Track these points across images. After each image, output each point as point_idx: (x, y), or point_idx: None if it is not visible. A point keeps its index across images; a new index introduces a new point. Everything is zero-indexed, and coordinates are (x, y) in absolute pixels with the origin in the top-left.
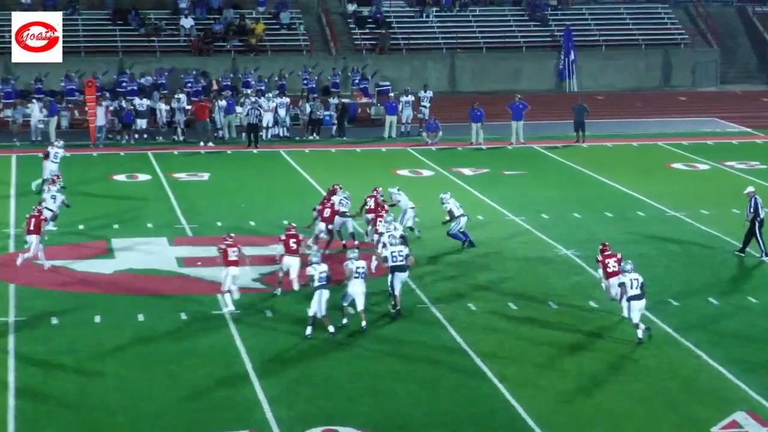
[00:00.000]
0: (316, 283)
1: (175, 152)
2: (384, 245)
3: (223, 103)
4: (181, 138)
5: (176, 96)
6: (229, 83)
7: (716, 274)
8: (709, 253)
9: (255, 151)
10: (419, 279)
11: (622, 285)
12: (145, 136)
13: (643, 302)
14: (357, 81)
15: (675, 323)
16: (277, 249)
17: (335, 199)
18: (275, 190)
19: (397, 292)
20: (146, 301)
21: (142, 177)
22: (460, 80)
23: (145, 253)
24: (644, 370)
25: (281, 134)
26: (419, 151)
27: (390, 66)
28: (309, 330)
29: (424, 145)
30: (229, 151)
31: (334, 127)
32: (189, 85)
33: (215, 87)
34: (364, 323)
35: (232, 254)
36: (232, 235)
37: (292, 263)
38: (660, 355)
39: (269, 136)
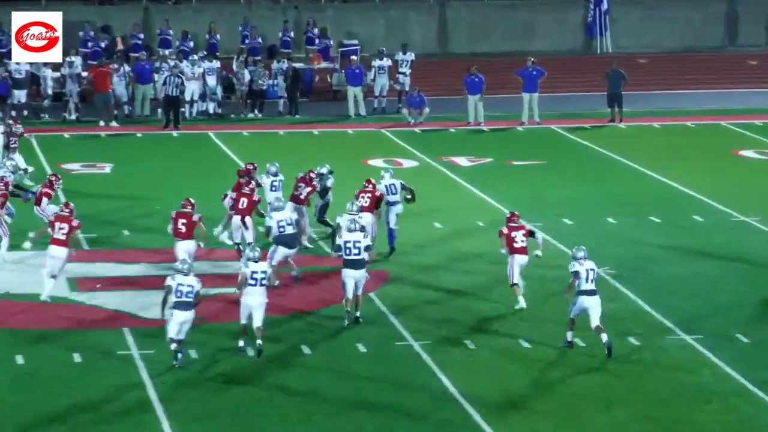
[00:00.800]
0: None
1: (66, 135)
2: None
3: (129, 69)
4: (74, 116)
5: (67, 59)
6: (140, 42)
7: None
8: None
9: (175, 133)
10: (398, 305)
11: (575, 274)
12: (25, 113)
13: (598, 299)
14: (314, 39)
15: (746, 367)
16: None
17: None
18: (202, 187)
19: (350, 294)
20: (26, 337)
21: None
22: (452, 38)
23: (24, 273)
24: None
25: (210, 110)
26: (398, 133)
27: (358, 19)
28: (241, 342)
29: (405, 126)
30: (139, 134)
31: (282, 102)
32: (86, 44)
33: (121, 47)
34: (259, 342)
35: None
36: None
37: (181, 249)
38: (726, 409)
39: (194, 113)
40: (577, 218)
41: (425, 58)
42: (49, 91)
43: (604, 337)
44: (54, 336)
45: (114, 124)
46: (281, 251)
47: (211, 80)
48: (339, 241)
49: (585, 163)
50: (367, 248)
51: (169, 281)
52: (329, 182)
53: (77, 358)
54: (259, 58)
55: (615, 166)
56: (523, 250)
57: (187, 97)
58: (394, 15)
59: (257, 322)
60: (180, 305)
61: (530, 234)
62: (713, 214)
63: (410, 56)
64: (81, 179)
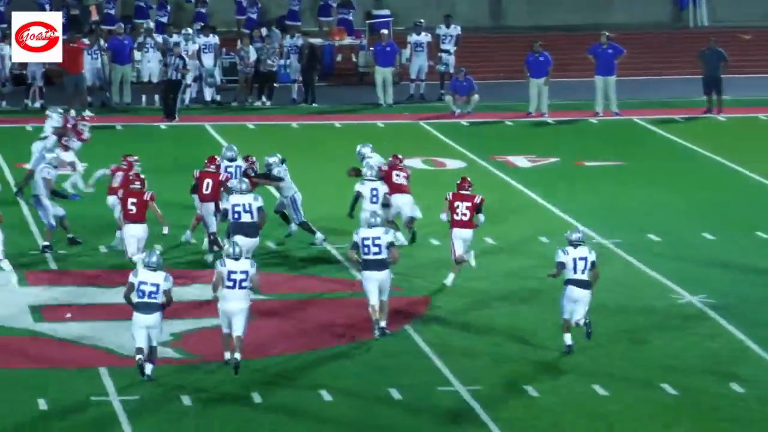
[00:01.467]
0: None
1: (29, 127)
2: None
3: (105, 45)
4: (38, 103)
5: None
6: (112, 12)
7: None
8: None
9: (163, 125)
10: (440, 340)
11: (559, 266)
12: None
13: (588, 294)
14: (330, 8)
15: None
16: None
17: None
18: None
19: (374, 301)
20: None
21: None
22: (508, 8)
23: None
24: None
25: (207, 97)
26: (440, 126)
27: None
28: (227, 355)
29: (449, 117)
30: (118, 126)
31: (297, 86)
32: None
33: (94, 17)
34: (237, 356)
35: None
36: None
37: (132, 234)
38: None
39: (187, 101)
40: (665, 234)
41: (474, 32)
42: (7, 72)
43: (568, 339)
44: (15, 378)
45: (88, 113)
46: (371, 278)
47: (208, 60)
48: (356, 237)
49: (675, 164)
50: (390, 246)
51: (131, 278)
52: (278, 171)
53: (42, 404)
54: (268, 33)
55: (713, 168)
56: (463, 224)
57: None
58: None
59: (237, 330)
60: (142, 307)
61: (476, 209)
62: None
63: (455, 30)
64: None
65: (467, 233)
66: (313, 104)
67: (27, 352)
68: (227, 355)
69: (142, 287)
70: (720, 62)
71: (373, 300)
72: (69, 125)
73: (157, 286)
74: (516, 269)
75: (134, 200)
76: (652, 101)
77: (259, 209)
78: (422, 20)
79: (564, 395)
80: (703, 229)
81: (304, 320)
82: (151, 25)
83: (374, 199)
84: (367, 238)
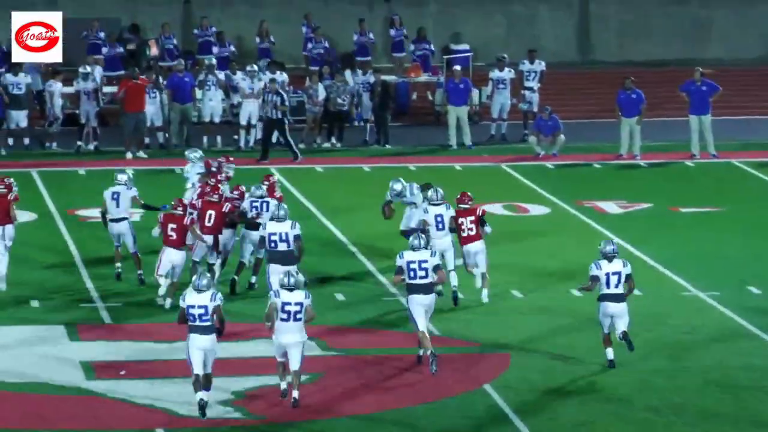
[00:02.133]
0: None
1: (81, 171)
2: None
3: (163, 81)
4: (92, 145)
5: (82, 69)
6: (172, 46)
7: None
8: None
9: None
10: (524, 400)
11: (593, 279)
12: (26, 141)
13: (625, 307)
14: (402, 43)
15: None
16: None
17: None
18: None
19: (422, 327)
20: None
21: (21, 216)
22: (597, 42)
23: (24, 354)
24: None
25: (273, 138)
26: (523, 169)
27: (469, 15)
28: (283, 384)
29: (533, 159)
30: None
31: (369, 127)
32: (97, 49)
33: (154, 52)
34: (295, 394)
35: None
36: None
37: (170, 259)
38: None
39: (251, 142)
40: (767, 286)
41: (560, 67)
42: (57, 111)
43: (610, 353)
44: None
45: (141, 155)
46: (417, 302)
47: (275, 97)
48: (400, 262)
49: None
50: (436, 268)
51: (180, 302)
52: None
53: None
54: (338, 67)
55: None
56: (471, 239)
57: (242, 121)
58: (519, 10)
59: (294, 365)
60: (196, 330)
61: (480, 221)
62: None
63: (540, 66)
64: (99, 229)
65: (478, 246)
66: (386, 146)
67: (78, 411)
68: (283, 385)
69: (191, 311)
70: None
71: (422, 326)
72: (213, 168)
73: (206, 307)
74: None
75: (174, 225)
76: (753, 143)
77: (296, 237)
78: (505, 55)
79: None
80: None
81: (374, 377)
82: (213, 61)
83: (440, 226)
84: (413, 261)
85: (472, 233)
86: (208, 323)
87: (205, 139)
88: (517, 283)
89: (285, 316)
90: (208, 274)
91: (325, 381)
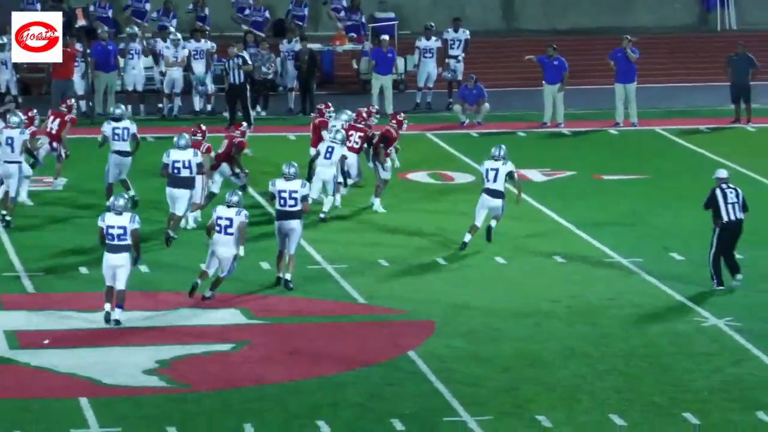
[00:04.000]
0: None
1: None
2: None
3: (87, 50)
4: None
5: (0, 41)
6: (106, 13)
7: None
8: None
9: (150, 137)
10: (446, 366)
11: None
12: None
13: (499, 203)
14: (342, 13)
15: None
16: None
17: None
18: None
19: (283, 249)
20: None
21: None
22: (522, 10)
23: None
24: None
25: (197, 107)
26: (448, 137)
27: None
28: (199, 280)
29: (458, 127)
30: (100, 137)
31: (294, 95)
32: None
33: (81, 21)
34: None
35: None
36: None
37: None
38: None
39: (175, 111)
40: (690, 253)
41: (485, 36)
42: None
43: (468, 236)
44: None
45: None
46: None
47: (199, 66)
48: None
49: (701, 178)
50: (304, 198)
51: (99, 222)
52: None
53: None
54: (264, 36)
55: (742, 182)
56: (353, 149)
57: (166, 90)
58: None
59: (222, 272)
60: (111, 248)
61: (368, 140)
62: None
63: (464, 34)
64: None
65: (354, 157)
66: (312, 114)
67: (3, 382)
68: (199, 281)
69: (110, 230)
70: (749, 68)
71: (285, 249)
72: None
73: (124, 227)
74: (530, 289)
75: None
76: (676, 110)
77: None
78: (432, 24)
79: (579, 426)
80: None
81: (299, 346)
82: (136, 30)
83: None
84: (284, 191)
85: (357, 146)
86: (125, 242)
87: (129, 108)
88: (442, 250)
89: (218, 228)
90: (126, 197)
91: (251, 350)
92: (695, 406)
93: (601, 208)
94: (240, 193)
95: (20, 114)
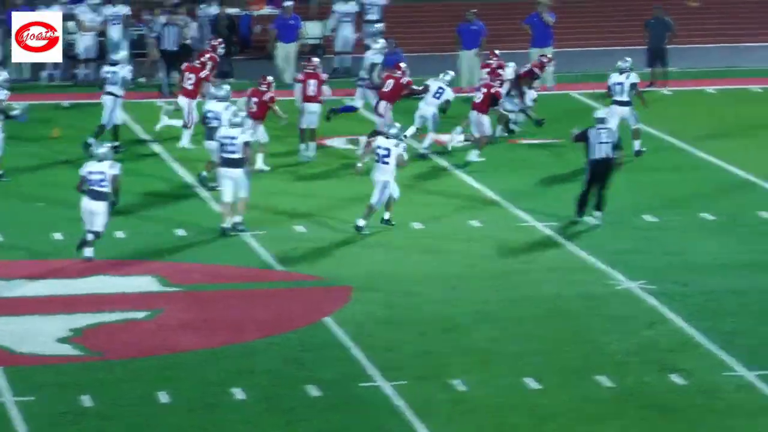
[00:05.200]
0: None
1: None
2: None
3: None
4: None
5: None
6: None
7: None
8: None
9: (66, 103)
10: (362, 332)
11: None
12: None
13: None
14: None
15: None
16: None
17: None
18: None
19: (229, 199)
20: None
21: None
22: None
23: None
24: None
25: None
26: (366, 103)
27: None
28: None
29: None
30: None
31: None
32: None
33: None
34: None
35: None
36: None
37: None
38: None
39: (90, 77)
40: (604, 216)
41: (404, 0)
42: None
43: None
44: None
45: None
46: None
47: (115, 32)
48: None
49: None
50: (246, 145)
51: (81, 170)
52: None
53: None
54: (178, 1)
55: (656, 146)
56: (310, 99)
57: (82, 55)
58: None
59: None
60: (90, 194)
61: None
62: None
63: None
64: None
65: (314, 107)
66: (230, 79)
67: None
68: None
69: (90, 176)
70: (666, 32)
71: (228, 198)
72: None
73: (103, 173)
74: (445, 254)
75: (256, 99)
76: (590, 74)
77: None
78: None
79: (493, 389)
80: (644, 210)
81: (215, 313)
82: None
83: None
84: (226, 137)
85: (314, 94)
86: (104, 189)
87: (45, 73)
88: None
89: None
90: (108, 145)
91: (166, 317)
92: (610, 369)
93: (517, 173)
94: (108, 145)
95: None
